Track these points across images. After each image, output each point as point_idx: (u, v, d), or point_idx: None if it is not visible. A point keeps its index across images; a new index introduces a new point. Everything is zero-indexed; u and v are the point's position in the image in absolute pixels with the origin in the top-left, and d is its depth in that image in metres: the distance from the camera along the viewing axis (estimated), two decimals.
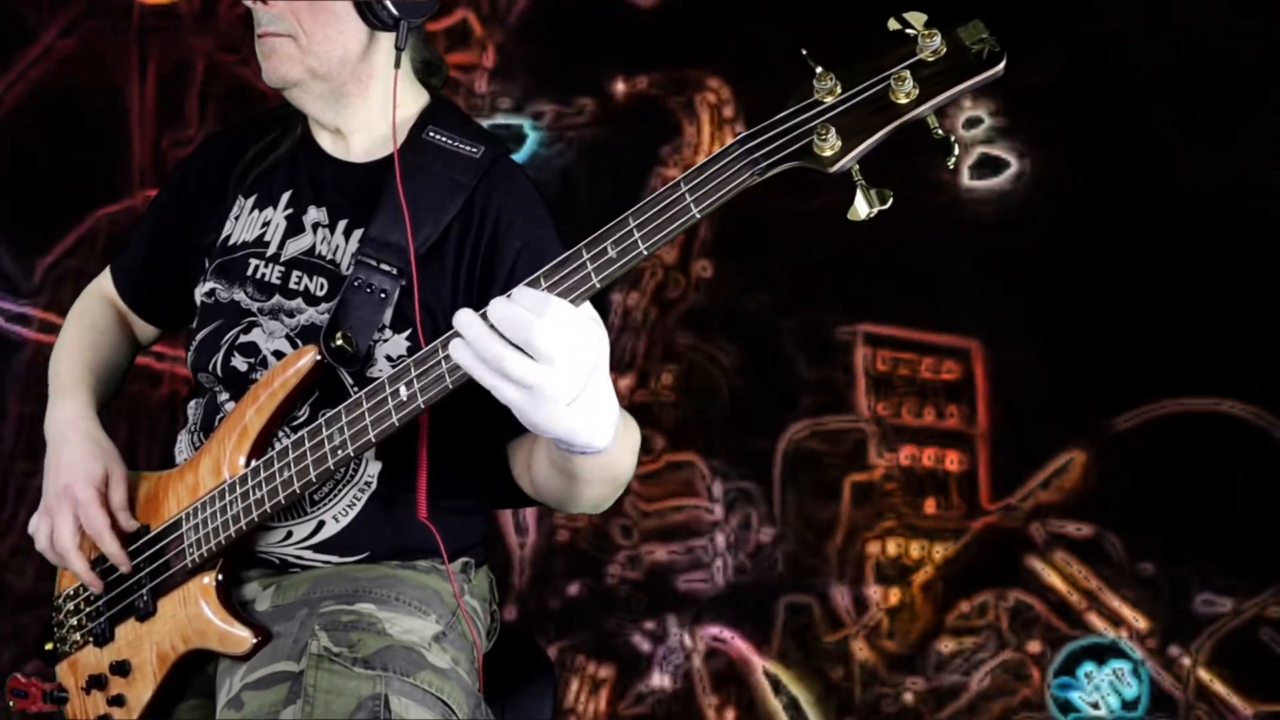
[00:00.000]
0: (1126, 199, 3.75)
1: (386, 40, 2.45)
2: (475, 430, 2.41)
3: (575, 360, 1.78)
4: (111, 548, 2.41)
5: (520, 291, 1.82)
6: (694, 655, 4.00)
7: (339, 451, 2.14)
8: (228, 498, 2.29)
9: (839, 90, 1.68)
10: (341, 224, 2.44)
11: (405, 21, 2.39)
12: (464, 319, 1.81)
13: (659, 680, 4.00)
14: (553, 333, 1.76)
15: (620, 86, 4.05)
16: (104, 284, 2.83)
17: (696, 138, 4.00)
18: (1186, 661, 3.72)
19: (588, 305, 1.85)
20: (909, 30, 1.65)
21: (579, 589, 4.05)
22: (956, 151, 1.66)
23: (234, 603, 2.34)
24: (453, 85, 4.09)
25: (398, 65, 2.42)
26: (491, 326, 1.79)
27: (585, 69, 4.06)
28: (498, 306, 1.79)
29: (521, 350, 1.77)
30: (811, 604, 3.96)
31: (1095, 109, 3.76)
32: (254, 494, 2.25)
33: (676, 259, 4.02)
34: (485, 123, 4.07)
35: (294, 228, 2.48)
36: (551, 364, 1.76)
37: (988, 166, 3.84)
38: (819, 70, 1.69)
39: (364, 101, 2.48)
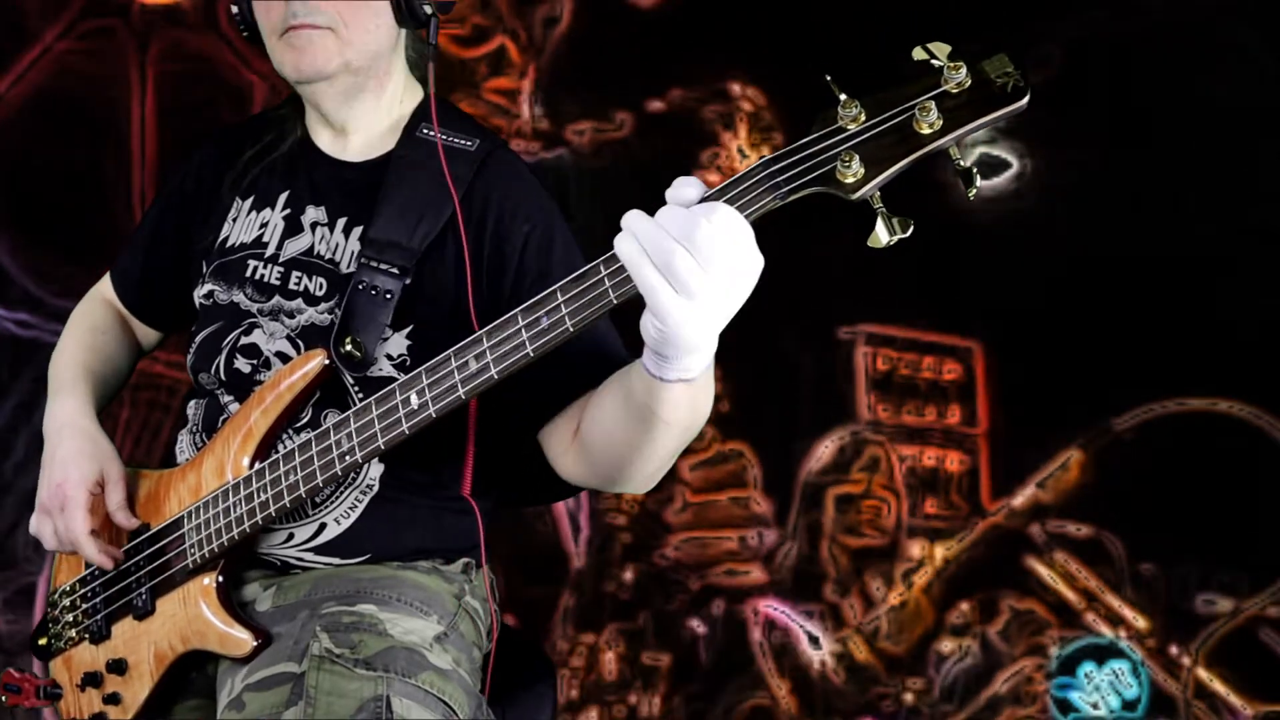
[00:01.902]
0: (1127, 199, 3.74)
1: (405, 38, 2.48)
2: (479, 429, 2.41)
3: (744, 276, 1.74)
4: (90, 553, 2.40)
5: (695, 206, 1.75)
6: (748, 635, 4.00)
7: (347, 458, 2.14)
8: (231, 499, 2.28)
9: (863, 118, 1.67)
10: (340, 222, 2.43)
11: (436, 16, 2.39)
12: (633, 216, 1.75)
13: (711, 662, 4.01)
14: (722, 241, 1.70)
15: (657, 100, 4.03)
16: (104, 287, 2.82)
17: (734, 146, 3.98)
18: (1186, 661, 3.74)
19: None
20: (934, 61, 1.64)
21: (633, 574, 4.05)
22: (978, 183, 1.66)
23: (234, 604, 2.33)
24: (495, 110, 4.08)
25: (433, 59, 2.42)
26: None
27: (622, 84, 4.03)
28: (666, 210, 1.74)
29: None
30: (819, 603, 3.97)
31: (1096, 109, 3.76)
32: (258, 496, 2.25)
33: None
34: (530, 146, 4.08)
35: (292, 228, 2.47)
36: (715, 275, 1.71)
37: (989, 167, 3.83)
38: (843, 98, 1.68)
39: (375, 99, 2.48)
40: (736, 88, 3.99)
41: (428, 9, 2.39)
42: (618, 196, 3.96)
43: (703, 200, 1.75)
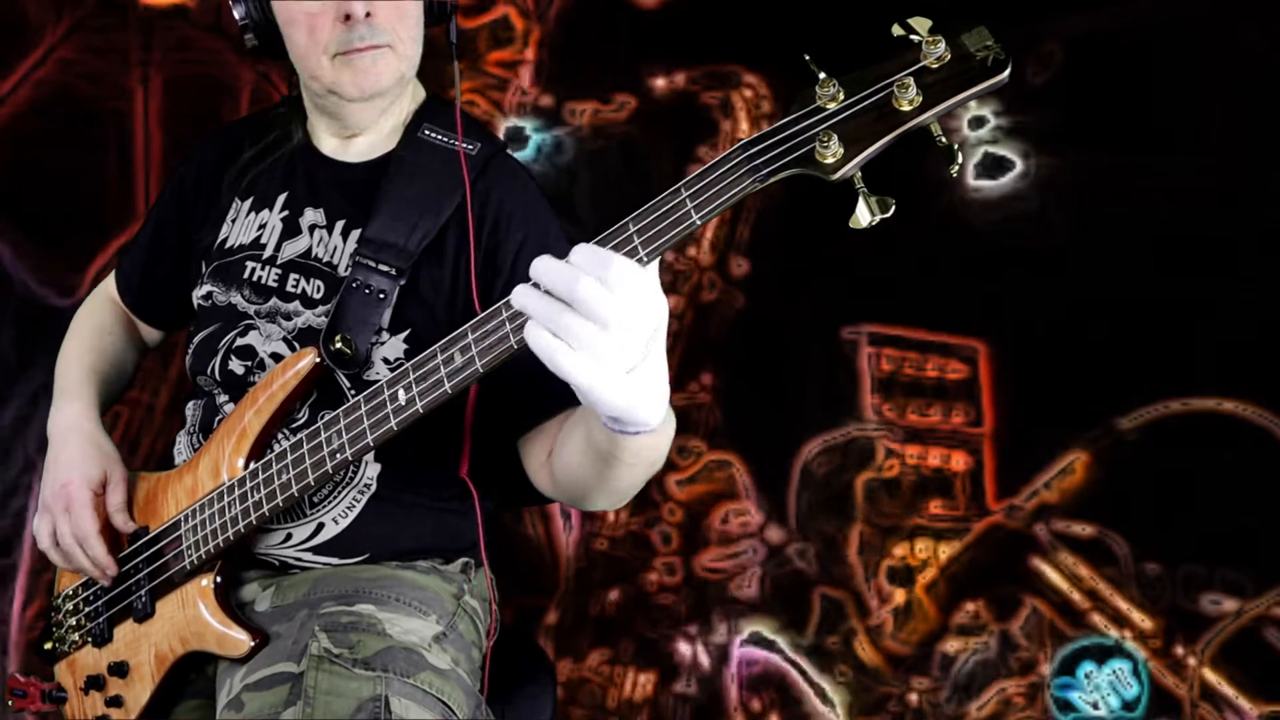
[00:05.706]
0: (1129, 199, 3.73)
1: None
2: (481, 428, 2.40)
3: (636, 324, 1.69)
4: (97, 552, 2.41)
5: (578, 251, 1.71)
6: (735, 659, 3.98)
7: (337, 455, 2.13)
8: (226, 499, 2.28)
9: (842, 97, 1.65)
10: (339, 225, 2.43)
11: (453, 13, 2.42)
12: (520, 290, 1.73)
13: (699, 684, 3.99)
14: (612, 294, 1.67)
15: (660, 82, 4.02)
16: (110, 287, 2.83)
17: (734, 134, 3.97)
18: (1192, 661, 3.71)
19: (653, 269, 1.75)
20: (913, 36, 1.61)
21: (618, 595, 4.03)
22: (959, 159, 1.63)
23: (232, 605, 2.33)
24: (496, 83, 4.08)
25: (457, 58, 2.44)
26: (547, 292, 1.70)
27: (625, 65, 4.02)
28: (546, 265, 1.70)
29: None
30: (825, 604, 3.95)
31: (1099, 109, 3.75)
32: (252, 496, 2.24)
33: (713, 261, 4.02)
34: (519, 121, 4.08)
35: (290, 230, 2.47)
36: (607, 328, 1.67)
37: (993, 166, 3.82)
38: (822, 76, 1.66)
39: (394, 103, 2.47)
40: (738, 74, 3.98)
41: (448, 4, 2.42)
42: (619, 179, 3.99)
43: (685, 182, 1.74)
